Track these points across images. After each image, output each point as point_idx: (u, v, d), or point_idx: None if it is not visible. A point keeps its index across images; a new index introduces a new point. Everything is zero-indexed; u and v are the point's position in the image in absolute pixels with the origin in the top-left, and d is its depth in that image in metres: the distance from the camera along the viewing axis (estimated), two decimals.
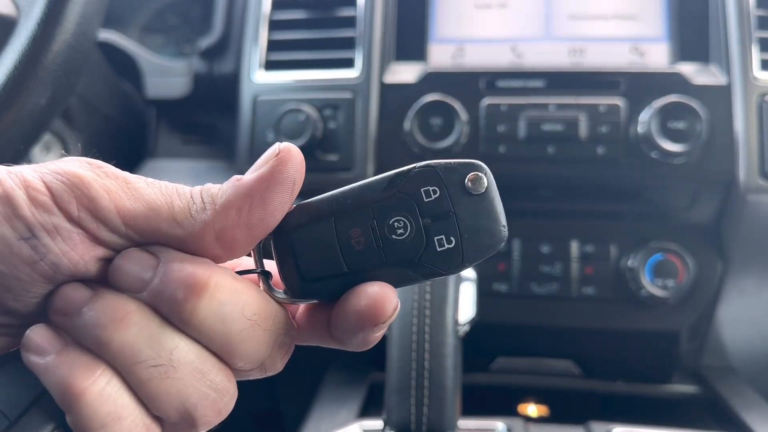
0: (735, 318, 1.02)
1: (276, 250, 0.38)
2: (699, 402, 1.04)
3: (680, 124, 0.92)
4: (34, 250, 0.32)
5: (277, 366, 0.38)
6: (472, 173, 0.37)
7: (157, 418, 0.35)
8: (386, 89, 1.00)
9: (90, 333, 0.33)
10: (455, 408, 0.73)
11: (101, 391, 0.33)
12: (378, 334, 0.37)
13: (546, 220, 1.02)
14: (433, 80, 0.99)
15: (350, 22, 1.05)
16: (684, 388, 1.06)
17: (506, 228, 0.37)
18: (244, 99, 1.04)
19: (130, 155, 1.22)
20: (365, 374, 1.05)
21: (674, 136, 0.92)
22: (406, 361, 0.72)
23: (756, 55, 0.95)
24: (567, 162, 0.96)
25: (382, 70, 1.02)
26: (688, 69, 0.98)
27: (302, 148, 1.00)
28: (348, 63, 1.03)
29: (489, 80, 0.99)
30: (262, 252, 0.38)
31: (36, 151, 1.12)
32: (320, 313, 0.38)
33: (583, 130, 0.95)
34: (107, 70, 1.17)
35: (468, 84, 0.99)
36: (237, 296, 0.35)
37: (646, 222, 1.02)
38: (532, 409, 1.08)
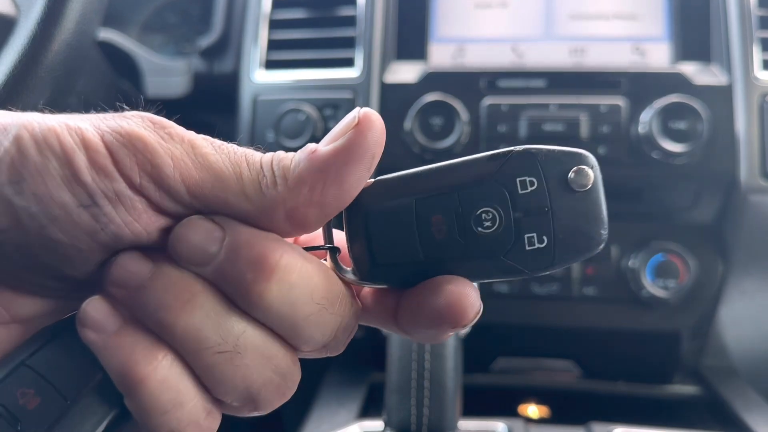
0: (736, 318, 1.02)
1: (348, 227, 0.35)
2: (700, 403, 1.04)
3: (681, 124, 0.92)
4: (95, 219, 0.30)
5: (340, 348, 0.36)
6: (578, 166, 0.33)
7: (218, 401, 0.34)
8: (386, 89, 1.00)
9: (152, 313, 0.31)
10: (456, 408, 0.73)
11: (164, 377, 0.31)
12: (451, 334, 0.34)
13: None
14: (433, 80, 0.99)
15: (350, 21, 1.04)
16: (685, 389, 1.06)
17: (607, 231, 0.34)
18: (244, 98, 1.04)
19: None
20: (365, 374, 1.05)
21: (675, 136, 0.92)
22: (407, 362, 0.72)
23: (757, 55, 0.95)
24: None
25: (383, 69, 1.01)
26: (689, 69, 0.97)
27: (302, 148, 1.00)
28: (348, 62, 1.03)
29: (490, 80, 0.99)
30: (332, 227, 0.35)
31: None
32: (389, 297, 0.36)
33: (584, 130, 0.94)
34: (107, 70, 1.17)
35: (468, 84, 0.98)
36: (307, 279, 0.32)
37: (647, 222, 1.02)
38: (532, 410, 1.08)
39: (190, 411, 0.32)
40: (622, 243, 1.00)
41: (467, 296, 0.33)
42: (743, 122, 0.93)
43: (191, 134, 0.32)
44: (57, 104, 0.79)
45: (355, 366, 1.07)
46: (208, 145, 0.32)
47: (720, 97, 0.94)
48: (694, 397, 1.05)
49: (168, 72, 1.18)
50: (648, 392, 1.07)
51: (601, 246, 0.33)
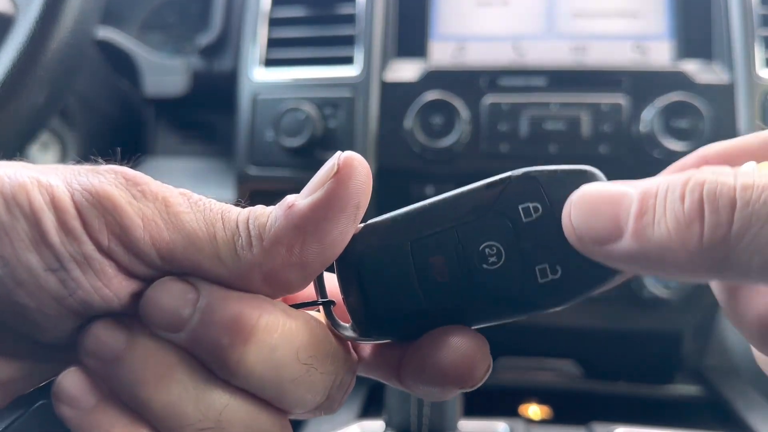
0: None
1: (341, 279, 0.32)
2: (702, 403, 1.03)
3: (683, 123, 0.92)
4: (63, 283, 0.28)
5: (335, 407, 0.33)
6: (585, 185, 0.30)
7: None
8: (386, 87, 1.00)
9: (128, 388, 0.29)
10: (456, 408, 0.72)
11: None
12: (458, 393, 0.32)
13: None
14: (433, 78, 0.99)
15: (350, 19, 1.04)
16: (687, 389, 1.06)
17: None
18: (243, 97, 1.04)
19: (128, 154, 1.22)
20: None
21: (677, 134, 0.92)
22: None
23: (759, 54, 0.95)
24: (569, 160, 0.95)
25: (383, 68, 1.01)
26: (691, 67, 0.97)
27: (302, 147, 1.00)
28: (348, 61, 1.02)
29: (490, 78, 0.98)
30: (323, 281, 0.32)
31: (34, 149, 1.11)
32: (392, 350, 0.33)
33: (585, 128, 0.94)
34: (105, 68, 1.17)
35: (469, 82, 0.98)
36: (290, 338, 0.30)
37: None
38: (533, 410, 1.07)
39: None
40: None
41: (475, 352, 0.31)
42: (745, 121, 0.92)
43: (167, 191, 0.30)
44: (55, 103, 0.78)
45: None
46: (183, 202, 0.30)
47: (722, 96, 0.94)
48: (696, 398, 1.04)
49: (167, 71, 1.18)
50: (649, 392, 1.06)
51: (620, 274, 0.30)
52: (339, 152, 0.30)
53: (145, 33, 1.30)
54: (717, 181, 0.25)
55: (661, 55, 1.00)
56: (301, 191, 0.31)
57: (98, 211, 0.29)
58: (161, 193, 0.30)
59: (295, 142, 0.97)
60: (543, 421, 1.05)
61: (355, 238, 0.31)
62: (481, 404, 0.88)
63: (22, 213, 0.28)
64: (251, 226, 0.30)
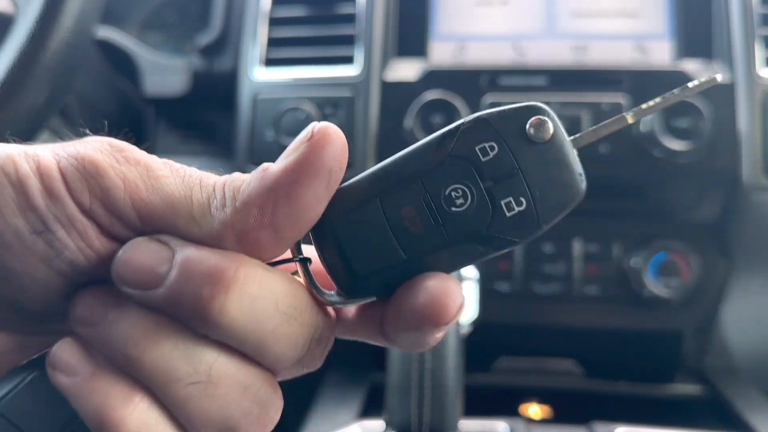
0: (739, 317, 1.02)
1: (318, 246, 0.33)
2: (703, 402, 1.03)
3: (684, 123, 0.92)
4: (50, 245, 0.29)
5: (317, 363, 0.34)
6: (534, 118, 0.32)
7: None
8: (387, 87, 1.00)
9: (119, 349, 0.30)
10: (457, 408, 0.72)
11: (142, 420, 0.30)
12: (438, 335, 0.33)
13: None
14: (434, 78, 0.99)
15: (350, 18, 1.04)
16: (688, 389, 1.06)
17: (583, 176, 0.32)
18: (244, 97, 1.04)
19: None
20: (366, 374, 1.04)
21: (678, 134, 0.92)
22: (408, 361, 0.71)
23: (760, 53, 0.95)
24: None
25: (383, 67, 1.01)
26: (691, 67, 0.97)
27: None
28: (348, 60, 1.02)
29: (491, 78, 0.98)
30: (299, 244, 0.33)
31: None
32: (374, 309, 0.34)
33: (585, 128, 0.94)
34: (105, 68, 1.17)
35: (469, 82, 0.98)
36: (270, 288, 0.30)
37: (649, 221, 1.01)
38: (534, 410, 1.07)
39: None
40: (624, 242, 1.00)
41: (448, 291, 0.31)
42: (746, 120, 0.92)
43: (149, 157, 0.31)
44: (55, 102, 0.78)
45: (356, 366, 1.07)
46: (164, 168, 0.31)
47: (722, 95, 0.94)
48: (697, 397, 1.04)
49: (167, 70, 1.18)
50: (650, 392, 1.07)
51: (582, 192, 0.32)
52: (315, 122, 0.31)
53: (145, 33, 1.30)
54: None
55: (661, 54, 1.00)
56: (279, 158, 0.31)
57: (81, 174, 0.30)
58: (143, 159, 0.31)
59: None
60: (543, 421, 1.05)
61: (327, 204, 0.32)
62: (481, 404, 0.89)
63: (8, 181, 0.29)
64: (226, 189, 0.31)
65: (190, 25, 1.28)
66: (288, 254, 0.33)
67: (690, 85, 0.34)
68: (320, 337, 0.33)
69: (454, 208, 0.31)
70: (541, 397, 1.08)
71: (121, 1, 1.28)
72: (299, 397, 1.03)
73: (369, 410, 0.96)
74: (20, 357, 0.33)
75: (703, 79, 0.34)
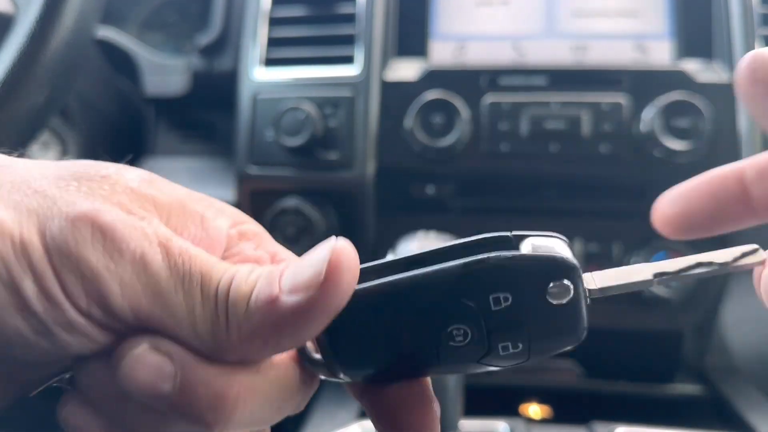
0: (739, 317, 1.02)
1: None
2: (703, 402, 1.03)
3: (684, 122, 0.92)
4: (53, 345, 0.29)
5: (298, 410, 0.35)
6: (557, 283, 0.30)
7: None
8: (387, 87, 1.00)
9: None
10: (457, 408, 0.72)
11: None
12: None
13: (548, 219, 1.02)
14: (434, 78, 0.99)
15: (350, 18, 1.04)
16: (688, 388, 1.06)
17: (586, 329, 0.32)
18: (244, 97, 1.04)
19: (128, 154, 1.22)
20: None
21: (678, 133, 0.92)
22: None
23: None
24: (570, 160, 0.96)
25: (383, 67, 1.01)
26: (691, 66, 0.97)
27: (302, 147, 1.00)
28: (348, 60, 1.02)
29: (491, 78, 0.98)
30: None
31: (34, 149, 1.11)
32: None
33: (585, 128, 0.94)
34: (105, 68, 1.17)
35: (469, 81, 0.98)
36: (267, 399, 0.31)
37: (649, 220, 1.01)
38: (534, 410, 1.07)
39: None
40: (624, 241, 1.00)
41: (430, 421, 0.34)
42: (746, 120, 0.92)
43: (144, 247, 0.29)
44: (55, 102, 0.78)
45: None
46: (160, 261, 0.29)
47: (722, 95, 0.94)
48: (697, 397, 1.04)
49: (167, 70, 1.18)
50: (650, 392, 1.06)
51: (580, 341, 0.32)
52: (329, 245, 0.29)
53: (145, 32, 1.30)
54: None
55: (661, 54, 1.00)
56: (287, 279, 0.30)
57: (76, 276, 0.28)
58: (139, 251, 0.29)
59: (296, 141, 0.97)
60: (543, 421, 1.05)
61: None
62: (481, 404, 0.88)
63: (1, 282, 0.28)
64: (230, 305, 0.30)
65: (190, 25, 1.28)
66: None
67: (731, 260, 0.33)
68: (303, 400, 0.34)
69: (452, 343, 0.31)
70: (541, 397, 1.08)
71: (121, 1, 1.28)
72: None
73: None
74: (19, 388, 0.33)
75: (749, 260, 0.34)
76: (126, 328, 0.30)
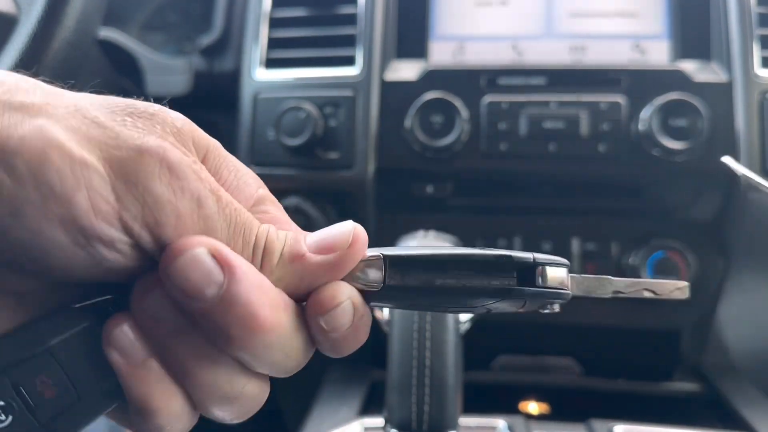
0: (737, 316, 1.02)
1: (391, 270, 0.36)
2: (701, 400, 1.04)
3: (681, 122, 0.92)
4: (90, 256, 0.30)
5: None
6: (552, 306, 0.38)
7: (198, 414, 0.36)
8: (387, 87, 1.00)
9: (176, 360, 0.33)
10: (456, 406, 0.73)
11: (174, 413, 0.34)
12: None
13: (547, 218, 1.02)
14: (433, 78, 0.99)
15: (351, 19, 1.04)
16: (686, 386, 1.06)
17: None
18: (245, 97, 1.04)
19: None
20: (366, 372, 1.05)
21: (675, 133, 0.92)
22: (407, 359, 0.72)
23: (757, 53, 0.95)
24: (568, 159, 0.96)
25: (383, 67, 1.02)
26: (689, 66, 0.97)
27: (303, 146, 1.01)
28: (349, 61, 1.03)
29: (490, 78, 0.99)
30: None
31: None
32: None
33: (584, 127, 0.94)
34: (107, 68, 1.17)
35: (469, 81, 0.99)
36: (285, 341, 0.34)
37: (647, 220, 1.02)
38: (533, 407, 1.08)
39: (179, 427, 0.35)
40: (623, 240, 1.00)
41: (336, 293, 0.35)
42: (743, 120, 0.93)
43: (201, 189, 0.32)
44: None
45: (356, 364, 1.07)
46: (213, 205, 0.33)
47: (720, 95, 0.94)
48: (695, 394, 1.05)
49: (169, 70, 1.18)
50: (648, 389, 1.07)
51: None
52: (351, 223, 0.36)
53: (146, 33, 1.30)
54: None
55: (659, 54, 1.00)
56: (312, 239, 0.35)
57: (138, 200, 0.30)
58: (197, 191, 0.32)
59: (296, 141, 0.97)
60: (542, 418, 1.05)
61: (372, 295, 0.36)
62: (480, 401, 0.89)
63: (53, 193, 0.29)
64: (267, 247, 0.34)
65: (192, 26, 1.29)
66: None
67: (666, 292, 0.39)
68: (299, 364, 0.37)
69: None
70: (540, 395, 1.09)
71: (123, 1, 1.29)
72: (300, 395, 1.03)
73: (369, 408, 0.96)
74: (49, 297, 0.34)
75: (677, 294, 0.39)
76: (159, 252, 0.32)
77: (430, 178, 1.00)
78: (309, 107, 0.98)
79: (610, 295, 0.39)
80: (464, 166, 0.98)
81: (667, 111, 0.92)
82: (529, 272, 0.36)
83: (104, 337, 0.32)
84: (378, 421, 0.79)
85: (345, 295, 0.35)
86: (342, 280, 0.35)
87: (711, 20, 0.99)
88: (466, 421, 0.79)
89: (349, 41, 1.04)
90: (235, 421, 0.37)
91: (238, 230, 0.34)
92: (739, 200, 0.94)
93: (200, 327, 0.33)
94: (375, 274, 0.36)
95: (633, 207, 1.03)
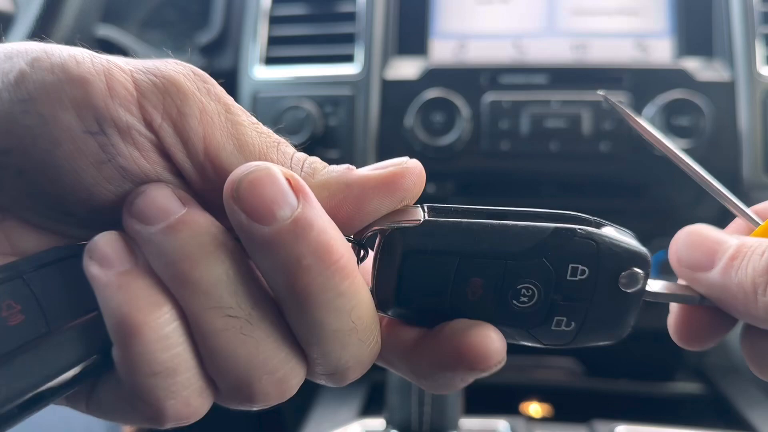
0: None
1: (382, 256, 0.33)
2: (703, 400, 1.03)
3: (684, 120, 0.92)
4: (102, 148, 0.28)
5: (344, 381, 0.33)
6: (633, 269, 0.32)
7: (213, 383, 0.31)
8: (387, 85, 1.00)
9: (169, 258, 0.28)
10: (457, 407, 0.72)
11: (163, 333, 0.28)
12: (468, 380, 0.32)
13: None
14: (434, 76, 0.99)
15: (350, 17, 1.04)
16: (688, 387, 1.06)
17: (631, 329, 0.34)
18: (244, 95, 1.04)
19: None
20: (366, 373, 1.04)
21: (678, 132, 0.92)
22: None
23: (760, 51, 0.95)
24: (570, 158, 0.95)
25: (383, 65, 1.01)
26: (692, 65, 0.97)
27: (303, 145, 0.99)
28: (348, 59, 1.02)
29: (491, 76, 0.98)
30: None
31: None
32: (406, 333, 0.34)
33: (586, 126, 0.94)
34: None
35: (470, 80, 0.98)
36: (355, 292, 0.30)
37: (649, 219, 1.01)
38: (534, 408, 1.07)
39: (181, 382, 0.29)
40: None
41: (492, 340, 0.31)
42: (746, 118, 0.92)
43: (229, 98, 0.31)
44: None
45: None
46: (243, 115, 0.31)
47: (723, 93, 0.94)
48: (697, 395, 1.04)
49: None
50: (651, 390, 1.07)
51: (621, 339, 0.33)
52: (406, 157, 0.33)
53: (145, 31, 1.30)
54: None
55: (662, 52, 1.00)
56: (363, 167, 0.33)
57: (159, 90, 0.29)
58: (224, 98, 0.30)
59: (296, 140, 0.97)
60: (544, 419, 1.05)
61: (412, 229, 0.32)
62: (482, 402, 0.89)
63: (66, 76, 0.28)
64: (306, 164, 0.31)
65: (190, 24, 1.28)
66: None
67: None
68: (363, 360, 0.33)
69: (515, 302, 0.32)
70: (542, 396, 1.08)
71: None
72: (300, 395, 1.03)
73: (370, 409, 0.96)
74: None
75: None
76: (183, 165, 0.30)
77: (430, 178, 0.99)
78: (309, 106, 0.98)
79: (696, 296, 0.35)
80: (465, 166, 0.97)
81: (670, 109, 0.92)
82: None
83: (86, 250, 0.29)
84: (379, 422, 0.79)
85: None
86: (384, 221, 0.32)
87: (714, 18, 0.99)
88: (467, 422, 0.78)
89: (349, 39, 1.03)
90: (250, 404, 0.31)
91: (271, 144, 0.31)
92: (742, 199, 0.94)
93: (260, 263, 0.29)
94: (417, 213, 0.33)
95: (635, 206, 1.02)
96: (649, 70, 0.97)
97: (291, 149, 0.32)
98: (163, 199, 0.29)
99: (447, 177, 1.00)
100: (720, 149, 0.92)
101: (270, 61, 1.05)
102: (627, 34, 1.01)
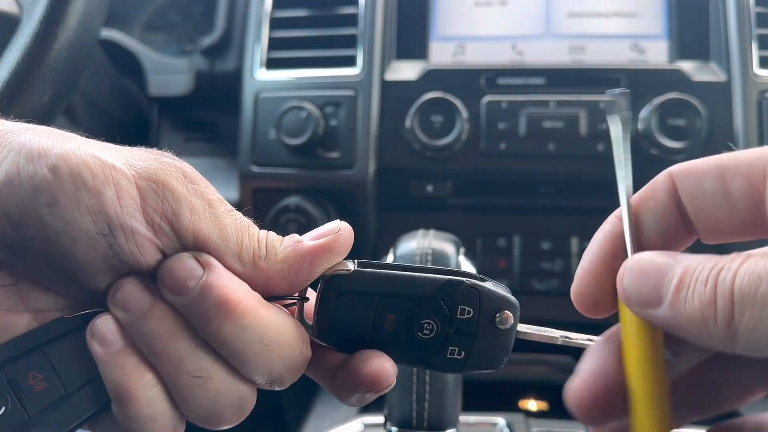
0: None
1: (322, 296, 0.41)
2: None
3: (680, 121, 0.93)
4: (110, 246, 0.36)
5: (285, 384, 0.41)
6: (506, 312, 0.41)
7: (183, 417, 0.40)
8: (387, 87, 1.01)
9: (147, 338, 0.37)
10: (456, 403, 0.73)
11: (149, 396, 0.37)
12: (370, 399, 0.41)
13: (546, 217, 1.03)
14: (433, 78, 1.00)
15: (352, 20, 1.05)
16: None
17: (508, 358, 0.42)
18: (246, 97, 1.05)
19: None
20: None
21: (674, 133, 0.92)
22: None
23: (755, 52, 0.96)
24: (567, 159, 0.96)
25: (383, 67, 1.02)
26: (687, 66, 0.98)
27: (304, 146, 1.01)
28: (349, 61, 1.03)
29: (489, 78, 0.99)
30: (306, 289, 0.42)
31: None
32: (332, 360, 0.42)
33: (583, 126, 0.95)
34: (109, 68, 1.17)
35: (469, 81, 0.99)
36: (259, 324, 0.38)
37: None
38: (532, 405, 1.08)
39: (160, 426, 0.39)
40: None
41: (386, 371, 0.41)
42: (741, 119, 0.93)
43: (210, 194, 0.39)
44: (60, 102, 0.79)
45: None
46: (221, 206, 0.39)
47: (718, 94, 0.95)
48: None
49: (170, 70, 1.19)
50: None
51: (500, 367, 0.42)
52: (338, 221, 0.41)
53: (148, 33, 1.31)
54: (728, 269, 0.31)
55: (658, 54, 1.01)
56: (306, 235, 0.41)
57: (158, 195, 0.36)
58: (207, 194, 0.38)
59: (297, 140, 0.98)
60: (542, 415, 1.06)
61: (346, 276, 0.41)
62: (480, 399, 0.89)
63: (85, 186, 0.35)
64: (268, 244, 0.40)
65: (194, 26, 1.29)
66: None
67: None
68: (292, 367, 0.41)
69: (419, 333, 0.41)
70: (540, 392, 1.09)
71: (125, 2, 1.29)
72: (301, 392, 1.04)
73: (369, 405, 0.96)
74: (66, 314, 0.39)
75: None
76: (175, 250, 0.38)
77: (430, 178, 1.01)
78: (310, 107, 0.99)
79: (558, 338, 0.44)
80: (464, 166, 0.98)
81: (666, 111, 0.93)
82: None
83: (87, 330, 0.37)
84: (378, 418, 0.79)
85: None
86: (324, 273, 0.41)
87: (710, 20, 1.00)
88: (466, 418, 0.79)
89: (350, 41, 1.04)
90: (216, 428, 0.40)
91: (243, 228, 0.39)
92: None
93: (185, 318, 0.38)
94: (348, 265, 0.41)
95: None
96: (645, 71, 0.98)
97: (256, 229, 0.40)
98: (136, 292, 0.37)
99: (446, 177, 1.01)
100: (715, 150, 0.92)
101: (272, 63, 1.06)
102: (624, 36, 1.02)
